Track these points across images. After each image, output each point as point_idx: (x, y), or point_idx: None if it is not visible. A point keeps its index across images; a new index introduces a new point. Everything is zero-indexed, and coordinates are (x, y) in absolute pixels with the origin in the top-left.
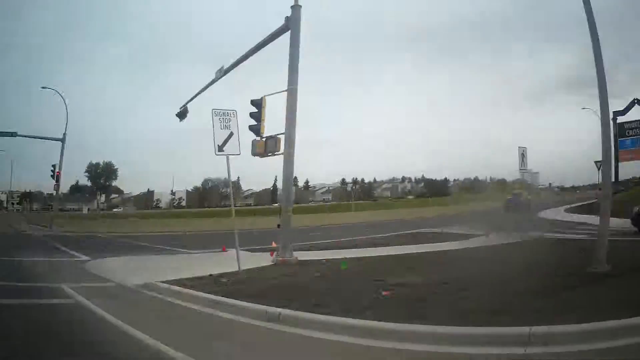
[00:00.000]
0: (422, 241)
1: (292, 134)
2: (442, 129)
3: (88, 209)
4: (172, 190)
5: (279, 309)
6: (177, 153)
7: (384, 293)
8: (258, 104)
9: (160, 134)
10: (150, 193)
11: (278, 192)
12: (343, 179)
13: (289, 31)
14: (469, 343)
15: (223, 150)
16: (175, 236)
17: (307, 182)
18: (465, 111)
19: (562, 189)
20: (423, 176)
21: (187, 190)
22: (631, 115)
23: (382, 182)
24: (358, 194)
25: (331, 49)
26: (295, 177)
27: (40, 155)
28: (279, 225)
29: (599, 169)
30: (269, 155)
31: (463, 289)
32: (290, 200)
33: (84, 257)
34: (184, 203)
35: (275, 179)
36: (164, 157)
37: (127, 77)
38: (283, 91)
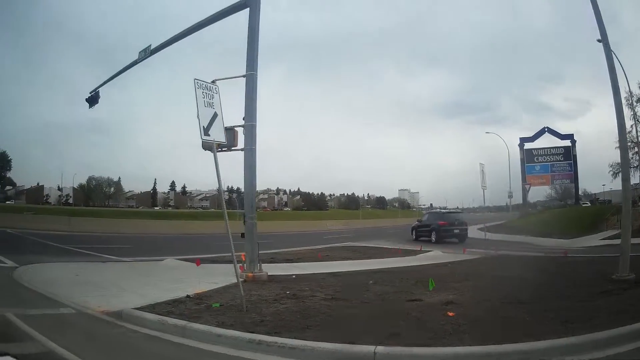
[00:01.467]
0: (373, 255)
1: (252, 127)
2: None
3: None
4: (59, 186)
5: (367, 347)
6: (64, 147)
7: (449, 314)
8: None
9: (50, 126)
10: (40, 188)
11: (158, 195)
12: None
13: (247, 9)
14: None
15: (209, 135)
16: (91, 238)
17: (184, 187)
18: (339, 127)
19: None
20: (299, 189)
21: (73, 187)
22: (540, 143)
23: (258, 193)
24: (234, 203)
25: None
26: (173, 182)
27: None
28: (242, 235)
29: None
30: (224, 151)
31: (519, 303)
32: (254, 206)
33: (10, 262)
34: (71, 200)
35: (155, 182)
36: (51, 150)
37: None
38: (239, 76)
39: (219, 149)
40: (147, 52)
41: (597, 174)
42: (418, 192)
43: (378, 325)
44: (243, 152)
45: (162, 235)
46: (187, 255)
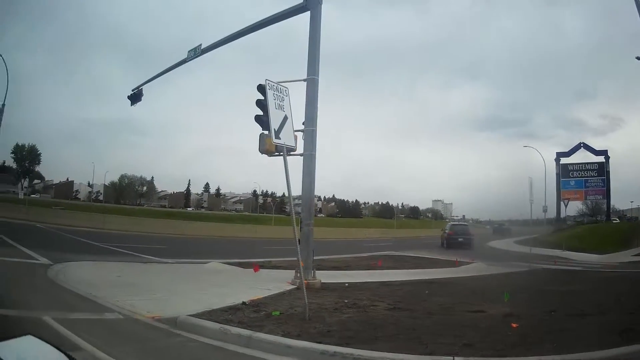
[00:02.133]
0: (416, 266)
1: (313, 133)
2: (352, 152)
3: (24, 194)
4: (89, 183)
5: (446, 357)
6: (96, 144)
7: (512, 325)
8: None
9: (81, 123)
10: (69, 183)
11: (192, 197)
12: (254, 191)
13: (308, 12)
14: None
15: (280, 138)
16: (125, 236)
17: (218, 189)
18: (376, 136)
19: (477, 222)
20: (334, 196)
21: (104, 184)
22: (574, 158)
23: (294, 198)
24: (270, 207)
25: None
26: (207, 183)
27: None
28: (299, 241)
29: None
30: (281, 155)
31: (579, 315)
32: (312, 213)
33: (42, 259)
34: (101, 197)
35: (189, 183)
36: (84, 147)
37: (55, 62)
38: (300, 80)
39: (275, 154)
40: (198, 52)
41: (625, 191)
42: (452, 204)
43: (447, 335)
44: (302, 157)
45: (198, 237)
46: (230, 259)
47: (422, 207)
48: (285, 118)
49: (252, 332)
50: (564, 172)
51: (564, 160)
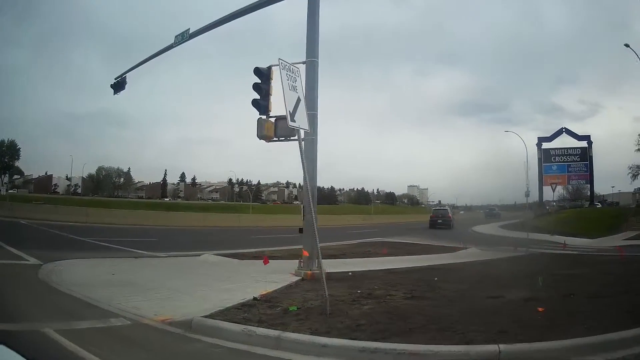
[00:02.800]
0: (411, 252)
1: (314, 117)
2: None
3: (6, 190)
4: (67, 176)
5: (489, 346)
6: (74, 137)
7: (539, 310)
8: (264, 73)
9: (60, 116)
10: (48, 177)
11: (168, 187)
12: (230, 179)
13: None
14: None
15: (294, 121)
16: (110, 230)
17: (194, 178)
18: (353, 123)
19: (454, 207)
20: None
21: (82, 177)
22: (556, 143)
23: (268, 186)
24: (246, 195)
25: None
26: (183, 173)
27: None
28: (301, 230)
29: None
30: (281, 141)
31: (599, 297)
32: (315, 199)
33: (32, 259)
34: (79, 190)
35: (165, 173)
36: (62, 140)
37: (34, 56)
38: (299, 63)
39: (273, 139)
40: (185, 36)
41: (604, 176)
42: (427, 189)
43: (478, 323)
44: (303, 142)
45: (182, 228)
46: (221, 250)
47: (397, 192)
48: (299, 100)
49: (279, 332)
50: (545, 156)
51: (545, 145)
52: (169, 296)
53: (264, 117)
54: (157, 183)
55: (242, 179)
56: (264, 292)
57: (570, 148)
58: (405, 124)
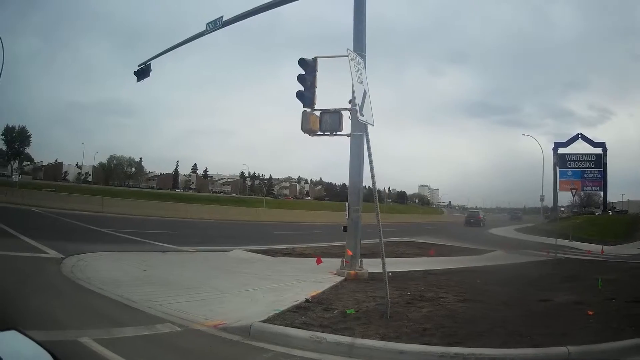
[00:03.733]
0: (441, 253)
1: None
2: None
3: (21, 176)
4: (77, 164)
5: (559, 348)
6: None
7: (589, 313)
8: (309, 64)
9: (71, 104)
10: (59, 164)
11: (179, 178)
12: (242, 172)
13: None
14: None
15: (363, 115)
16: (127, 220)
17: (206, 170)
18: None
19: (463, 208)
20: (321, 179)
21: (93, 165)
22: (571, 149)
23: (280, 180)
24: (258, 189)
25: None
26: (195, 165)
27: None
28: (345, 228)
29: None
30: (326, 135)
31: None
32: (360, 198)
33: (51, 252)
34: (90, 178)
35: (177, 164)
36: (73, 128)
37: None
38: (343, 56)
39: (318, 134)
40: (218, 24)
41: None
42: (438, 189)
43: (539, 326)
44: (350, 138)
45: (200, 220)
46: (248, 246)
47: (409, 192)
48: (365, 93)
49: (352, 339)
50: (561, 161)
51: (561, 150)
52: (213, 297)
53: (308, 110)
54: (169, 174)
55: (253, 173)
56: (314, 294)
57: (585, 154)
58: (414, 123)
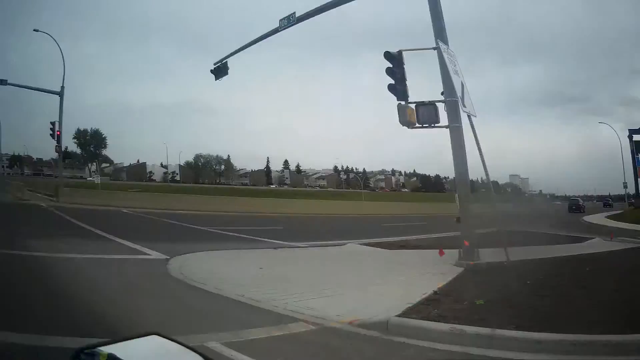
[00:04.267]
0: (544, 242)
1: (455, 103)
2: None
3: (100, 178)
4: (162, 164)
5: None
6: (165, 125)
7: None
8: (395, 57)
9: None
10: (142, 165)
11: (272, 174)
12: (336, 167)
13: None
14: None
15: (465, 106)
16: (227, 218)
17: (298, 165)
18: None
19: (553, 196)
20: (414, 170)
21: (179, 164)
22: None
23: (374, 173)
24: (354, 183)
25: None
26: (286, 160)
27: (26, 113)
28: (458, 219)
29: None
30: (424, 127)
31: None
32: (469, 188)
33: (153, 253)
34: (177, 177)
35: (268, 160)
36: (153, 129)
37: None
38: (429, 48)
39: (416, 126)
40: (292, 20)
41: None
42: (528, 178)
43: None
44: (449, 130)
45: (304, 215)
46: (362, 239)
47: (500, 181)
48: (463, 85)
49: (491, 330)
50: (638, 148)
51: (636, 137)
52: (339, 292)
53: (402, 102)
54: (260, 170)
55: (347, 167)
56: (440, 285)
57: None
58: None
